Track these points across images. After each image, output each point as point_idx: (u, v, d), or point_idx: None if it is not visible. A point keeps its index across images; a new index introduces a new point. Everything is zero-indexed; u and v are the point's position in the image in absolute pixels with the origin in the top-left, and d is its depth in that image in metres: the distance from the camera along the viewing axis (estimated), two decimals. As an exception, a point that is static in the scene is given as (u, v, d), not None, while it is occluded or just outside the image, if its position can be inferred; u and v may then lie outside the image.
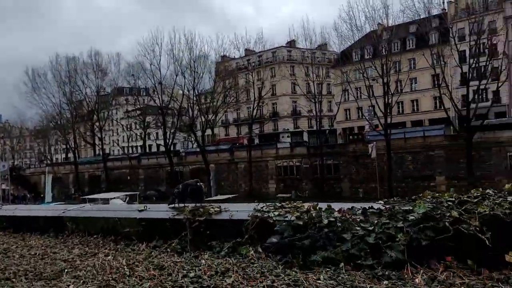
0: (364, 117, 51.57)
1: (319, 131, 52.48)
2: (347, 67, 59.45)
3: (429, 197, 3.06)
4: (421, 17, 52.32)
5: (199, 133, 62.97)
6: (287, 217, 3.40)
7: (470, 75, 43.35)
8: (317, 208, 3.30)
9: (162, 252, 3.72)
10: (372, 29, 56.15)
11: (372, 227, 2.79)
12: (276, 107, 73.50)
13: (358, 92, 55.44)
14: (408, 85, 55.96)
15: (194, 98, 59.39)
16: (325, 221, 2.99)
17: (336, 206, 3.49)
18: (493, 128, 43.21)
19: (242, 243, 3.50)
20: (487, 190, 2.91)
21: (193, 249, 3.78)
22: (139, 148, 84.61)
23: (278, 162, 53.57)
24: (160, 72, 58.31)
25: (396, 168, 45.29)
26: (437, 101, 58.02)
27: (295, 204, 3.70)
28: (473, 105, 41.21)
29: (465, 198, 2.80)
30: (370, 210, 3.10)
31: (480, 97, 44.99)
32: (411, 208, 2.87)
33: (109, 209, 5.14)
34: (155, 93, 61.60)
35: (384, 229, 2.74)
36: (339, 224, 2.93)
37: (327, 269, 2.64)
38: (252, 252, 3.22)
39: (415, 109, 62.14)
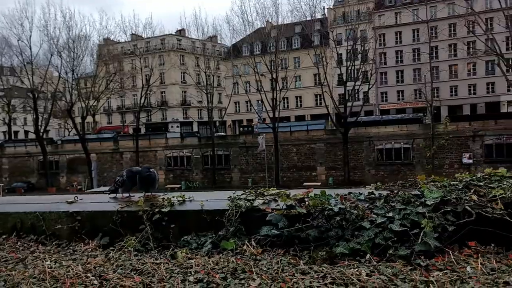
0: (254, 110, 53.05)
1: (210, 122, 52.32)
2: (237, 61, 60.45)
3: (424, 181, 3.00)
4: (307, 19, 55.92)
5: (78, 120, 57.38)
6: (278, 205, 3.01)
7: (347, 76, 47.65)
8: (313, 194, 2.98)
9: (123, 252, 2.99)
10: (262, 25, 58.00)
11: (391, 214, 2.60)
12: (165, 96, 71.06)
13: (248, 85, 56.78)
14: (293, 82, 59.24)
15: (73, 82, 53.82)
16: (336, 208, 2.70)
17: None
18: (364, 124, 48.42)
19: (225, 237, 3.00)
20: (478, 174, 2.95)
21: (156, 247, 3.14)
22: (1, 134, 73.56)
23: (167, 152, 51.91)
24: (30, 49, 51.35)
25: (282, 159, 47.72)
26: (318, 98, 62.92)
27: (277, 191, 3.33)
28: (349, 104, 45.47)
29: (470, 181, 2.79)
30: (371, 196, 2.91)
31: (355, 96, 49.89)
32: (419, 193, 2.75)
33: (24, 201, 4.06)
34: (24, 73, 54.03)
35: (404, 215, 2.56)
36: (354, 211, 2.67)
37: (355, 262, 2.36)
38: (250, 246, 2.75)
39: (299, 104, 66.34)
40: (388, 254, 2.41)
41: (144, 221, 3.28)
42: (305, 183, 46.68)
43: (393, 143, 45.48)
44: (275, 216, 2.91)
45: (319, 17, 60.97)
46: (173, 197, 3.50)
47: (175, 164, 52.13)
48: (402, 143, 45.27)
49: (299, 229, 2.78)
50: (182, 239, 3.12)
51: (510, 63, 38.46)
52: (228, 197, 3.34)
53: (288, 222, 2.87)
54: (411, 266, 2.25)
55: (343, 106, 46.63)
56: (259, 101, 52.57)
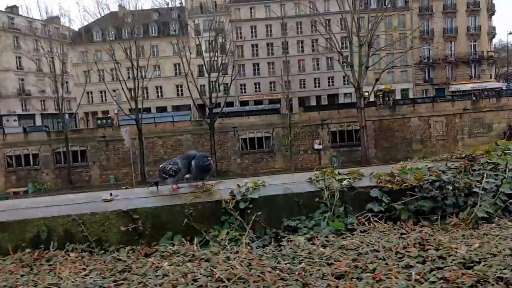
0: (113, 101, 49.41)
1: (61, 114, 46.64)
2: (89, 46, 55.30)
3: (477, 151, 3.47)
4: (166, 6, 54.54)
5: None
6: (376, 182, 3.07)
7: (210, 67, 48.19)
8: (405, 169, 3.14)
9: (236, 245, 2.60)
10: (117, 9, 54.23)
11: (492, 179, 2.94)
12: (-4, 84, 60.23)
13: (102, 74, 52.40)
14: (152, 72, 57.08)
15: None
16: (445, 178, 2.91)
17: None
18: (229, 115, 50.01)
19: (329, 218, 2.92)
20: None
21: (259, 238, 2.86)
22: None
23: (7, 151, 44.37)
24: None
25: (147, 152, 45.87)
26: (179, 89, 62.21)
27: (347, 170, 3.38)
28: (213, 95, 46.27)
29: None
30: (450, 166, 3.23)
31: (217, 88, 50.95)
32: (492, 160, 3.18)
33: (46, 204, 3.11)
34: None
35: (502, 180, 2.94)
36: (464, 180, 2.92)
37: (495, 225, 2.61)
38: (377, 223, 2.75)
39: (159, 95, 64.38)
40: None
41: (230, 210, 2.94)
42: (173, 175, 45.99)
43: (255, 132, 48.24)
44: (378, 192, 2.99)
45: (178, 5, 60.09)
46: (246, 183, 3.21)
47: (18, 164, 45.01)
48: (263, 132, 48.37)
49: (408, 202, 2.92)
50: (285, 225, 2.91)
51: (349, 60, 44.61)
52: (308, 179, 3.24)
53: (390, 197, 2.98)
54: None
55: (207, 97, 47.10)
56: (117, 91, 49.14)
